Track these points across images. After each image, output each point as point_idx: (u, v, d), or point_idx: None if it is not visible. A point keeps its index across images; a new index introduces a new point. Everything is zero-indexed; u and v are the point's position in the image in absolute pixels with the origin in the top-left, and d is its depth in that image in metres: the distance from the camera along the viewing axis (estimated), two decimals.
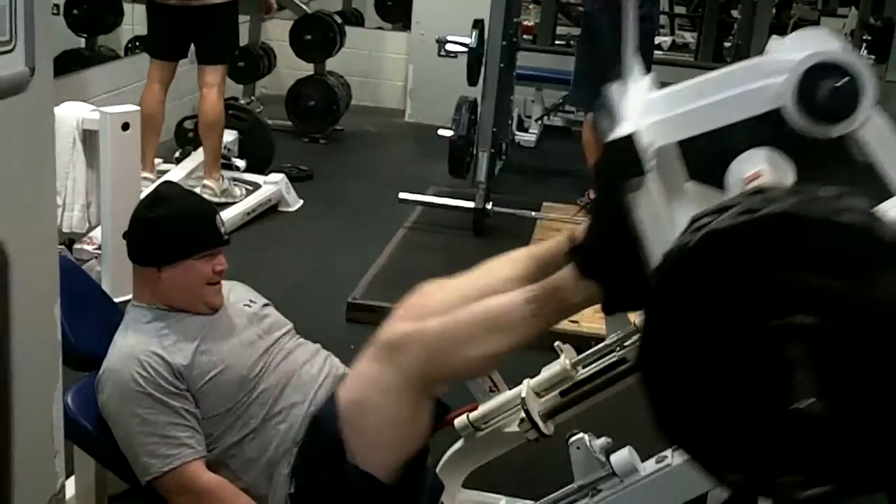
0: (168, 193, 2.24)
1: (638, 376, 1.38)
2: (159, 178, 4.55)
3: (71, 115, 3.34)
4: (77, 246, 3.68)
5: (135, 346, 2.05)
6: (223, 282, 2.19)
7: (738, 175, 1.72)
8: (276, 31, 6.53)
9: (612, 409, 2.12)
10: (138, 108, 3.31)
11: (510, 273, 2.03)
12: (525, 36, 6.60)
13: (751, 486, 1.39)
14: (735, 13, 7.69)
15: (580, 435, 2.03)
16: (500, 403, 2.24)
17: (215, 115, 4.66)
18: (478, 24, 5.03)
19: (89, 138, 3.33)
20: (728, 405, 1.33)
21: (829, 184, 1.52)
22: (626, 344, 2.04)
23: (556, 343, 2.14)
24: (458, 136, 4.94)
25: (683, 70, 6.23)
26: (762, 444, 1.33)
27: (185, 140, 5.13)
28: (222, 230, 2.17)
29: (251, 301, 2.24)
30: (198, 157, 4.85)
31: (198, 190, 4.31)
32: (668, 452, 1.97)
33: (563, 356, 2.10)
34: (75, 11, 5.84)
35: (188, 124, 5.13)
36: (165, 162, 4.95)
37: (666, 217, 1.56)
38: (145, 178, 3.80)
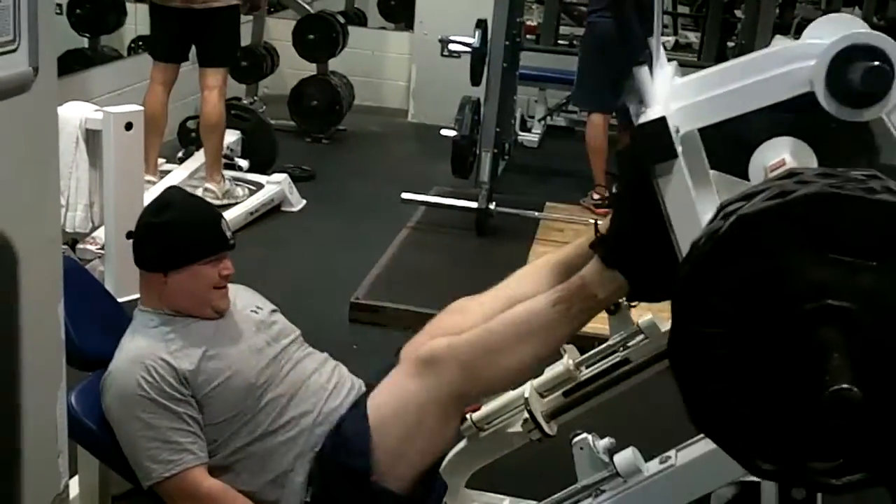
0: (174, 199, 2.24)
1: (668, 365, 1.36)
2: (162, 178, 4.56)
3: (74, 114, 3.34)
4: (80, 246, 3.68)
5: (141, 350, 2.05)
6: (229, 286, 2.19)
7: (761, 164, 1.70)
8: (279, 31, 6.53)
9: (616, 410, 2.12)
10: (141, 107, 3.32)
11: (539, 279, 2.04)
12: (528, 36, 6.59)
13: (784, 474, 1.37)
14: (738, 13, 7.68)
15: (583, 435, 2.02)
16: (503, 404, 2.24)
17: (216, 118, 4.66)
18: (481, 23, 5.03)
19: (92, 138, 3.33)
20: (761, 391, 1.31)
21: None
22: (629, 344, 2.04)
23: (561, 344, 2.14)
24: (461, 136, 4.94)
25: (687, 70, 6.24)
26: (796, 430, 1.31)
27: (188, 140, 5.13)
28: (228, 235, 2.17)
29: (258, 307, 2.24)
30: (200, 157, 4.85)
31: (199, 192, 4.31)
32: (671, 453, 1.97)
33: (566, 356, 2.09)
34: (78, 11, 5.85)
35: (191, 124, 5.13)
36: (168, 162, 4.95)
37: (693, 203, 1.54)
38: (148, 180, 3.80)
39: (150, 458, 1.98)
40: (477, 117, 5.03)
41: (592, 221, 1.96)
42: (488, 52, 4.89)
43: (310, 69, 6.27)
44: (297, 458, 2.05)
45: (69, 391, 1.78)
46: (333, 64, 6.28)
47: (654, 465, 1.99)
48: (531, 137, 6.40)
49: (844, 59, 1.47)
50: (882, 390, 1.27)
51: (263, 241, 4.51)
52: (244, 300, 2.23)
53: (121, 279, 2.92)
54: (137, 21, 5.98)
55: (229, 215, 4.31)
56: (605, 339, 2.09)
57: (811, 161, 1.66)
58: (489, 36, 4.90)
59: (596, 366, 2.08)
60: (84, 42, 5.93)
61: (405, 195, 4.85)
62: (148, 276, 2.15)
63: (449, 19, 5.98)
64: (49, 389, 1.53)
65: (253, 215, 4.73)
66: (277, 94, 6.51)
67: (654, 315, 1.99)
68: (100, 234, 3.52)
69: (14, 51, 1.32)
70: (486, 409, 2.24)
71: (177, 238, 2.12)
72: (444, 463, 2.31)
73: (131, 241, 2.19)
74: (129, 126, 3.15)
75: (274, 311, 2.27)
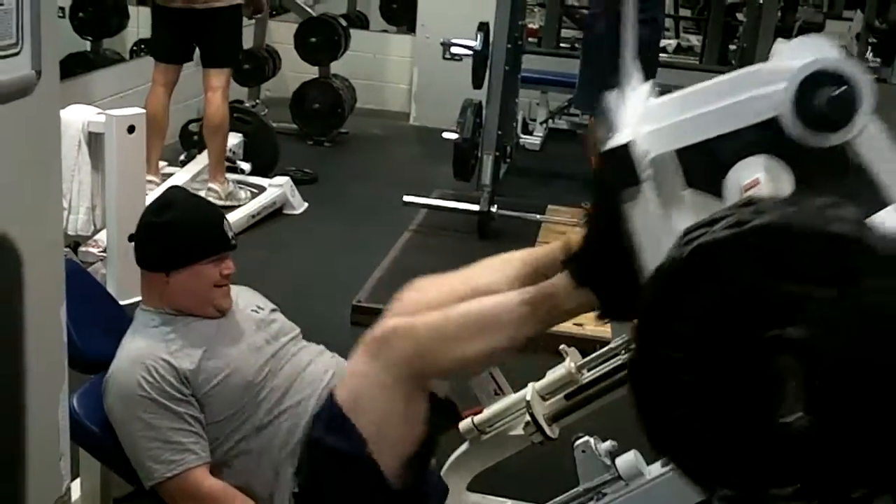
0: (175, 198, 2.24)
1: (628, 389, 1.38)
2: (164, 181, 4.56)
3: (76, 117, 3.34)
4: (82, 248, 3.69)
5: (142, 350, 2.05)
6: (231, 286, 2.19)
7: (735, 183, 1.72)
8: (281, 34, 6.54)
9: (618, 413, 2.11)
10: (143, 111, 3.32)
11: (505, 274, 2.03)
12: (530, 39, 6.60)
13: (742, 500, 1.39)
14: (740, 16, 7.69)
15: (585, 438, 2.03)
16: (504, 406, 2.24)
17: (219, 119, 4.67)
18: (482, 27, 5.03)
19: (94, 141, 3.33)
20: (718, 418, 1.33)
21: (827, 191, 1.53)
22: (630, 347, 2.04)
23: (561, 346, 2.14)
24: (462, 139, 4.94)
25: (688, 73, 6.24)
26: (752, 457, 1.32)
27: (191, 143, 5.13)
28: (230, 235, 2.17)
29: (259, 307, 2.24)
30: (203, 159, 4.86)
31: (202, 194, 4.31)
32: None
33: (567, 359, 2.09)
34: (81, 15, 5.85)
35: (193, 127, 5.14)
36: (170, 165, 4.96)
37: (661, 227, 1.56)
38: (150, 182, 3.80)
39: (151, 458, 1.98)
40: (479, 120, 5.03)
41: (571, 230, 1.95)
42: (490, 55, 4.90)
43: (312, 72, 6.28)
44: (291, 450, 2.04)
45: (71, 394, 1.79)
46: (335, 67, 6.29)
47: (656, 469, 1.99)
48: (533, 140, 6.40)
49: (811, 85, 1.48)
50: (833, 420, 1.29)
51: (265, 243, 4.51)
52: (246, 300, 2.24)
53: (123, 282, 2.92)
54: (140, 24, 5.99)
55: (231, 218, 4.30)
56: (607, 342, 2.09)
57: (787, 180, 1.68)
58: (491, 39, 4.90)
59: (598, 369, 2.08)
60: (86, 45, 5.93)
61: (407, 198, 4.85)
62: (149, 275, 2.15)
63: (451, 22, 5.98)
64: (51, 392, 1.53)
65: (255, 218, 4.73)
66: (279, 97, 6.52)
67: None
68: (102, 236, 3.53)
69: (17, 54, 1.33)
70: (487, 411, 2.24)
71: (179, 238, 2.12)
72: (446, 466, 2.31)
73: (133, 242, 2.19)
74: (131, 129, 3.16)
75: (274, 310, 2.27)
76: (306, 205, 5.07)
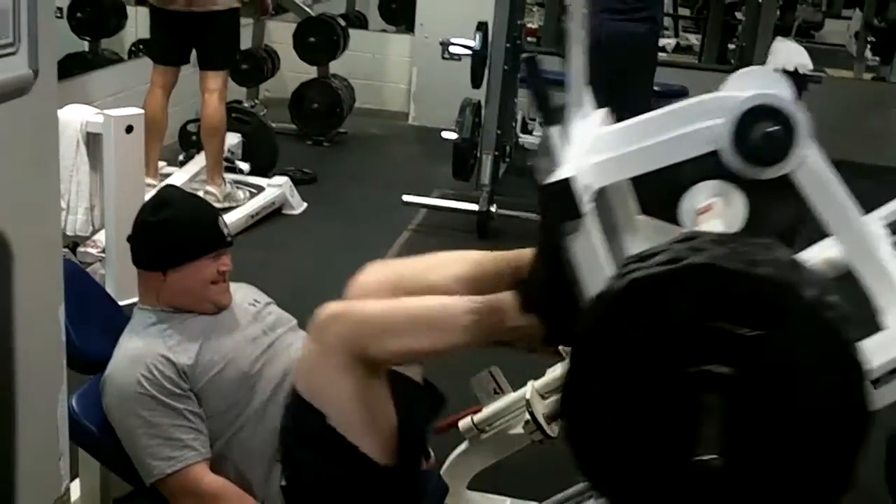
0: (170, 197, 2.24)
1: (560, 420, 1.41)
2: (163, 181, 4.55)
3: (75, 118, 3.34)
4: (81, 249, 3.69)
5: (140, 348, 2.05)
6: (230, 283, 2.19)
7: (690, 208, 1.75)
8: (280, 34, 6.53)
9: None
10: (142, 111, 3.32)
11: (458, 272, 2.04)
12: (529, 38, 6.60)
13: None
14: (739, 15, 7.69)
15: None
16: (504, 405, 2.24)
17: (217, 121, 4.67)
18: (481, 26, 5.03)
19: (93, 141, 3.33)
20: (641, 451, 1.36)
21: (779, 213, 1.57)
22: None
23: (561, 346, 2.13)
24: (461, 138, 4.94)
25: (688, 72, 6.24)
26: (668, 493, 1.36)
27: (189, 143, 5.13)
28: (225, 232, 2.17)
29: (255, 301, 2.25)
30: (201, 160, 4.85)
31: (200, 195, 4.31)
32: None
33: (567, 358, 2.09)
34: (79, 15, 5.85)
35: (192, 127, 5.13)
36: (169, 165, 4.96)
37: (604, 258, 1.58)
38: (149, 184, 3.80)
39: (151, 455, 1.98)
40: (478, 120, 5.03)
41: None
42: (489, 55, 4.90)
43: (310, 72, 6.28)
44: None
45: (70, 394, 1.78)
46: (334, 67, 6.29)
47: None
48: (532, 140, 6.40)
49: (749, 120, 1.51)
50: (749, 462, 1.32)
51: (264, 243, 4.51)
52: (243, 294, 2.24)
53: (121, 282, 2.92)
54: (138, 24, 5.98)
55: (230, 218, 4.31)
56: None
57: (740, 204, 1.71)
58: (490, 38, 4.90)
59: None
60: (84, 45, 5.93)
61: (406, 198, 4.85)
62: (146, 274, 2.15)
63: (450, 22, 5.98)
64: (50, 392, 1.53)
65: (254, 218, 4.73)
66: (278, 97, 6.51)
67: None
68: (100, 237, 3.53)
69: (14, 54, 1.32)
70: (487, 410, 2.24)
71: (174, 237, 2.12)
72: (446, 464, 2.31)
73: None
74: (129, 129, 3.15)
75: (269, 303, 2.27)
76: (305, 205, 5.07)
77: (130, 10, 6.06)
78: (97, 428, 2.05)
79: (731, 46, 7.65)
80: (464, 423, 2.28)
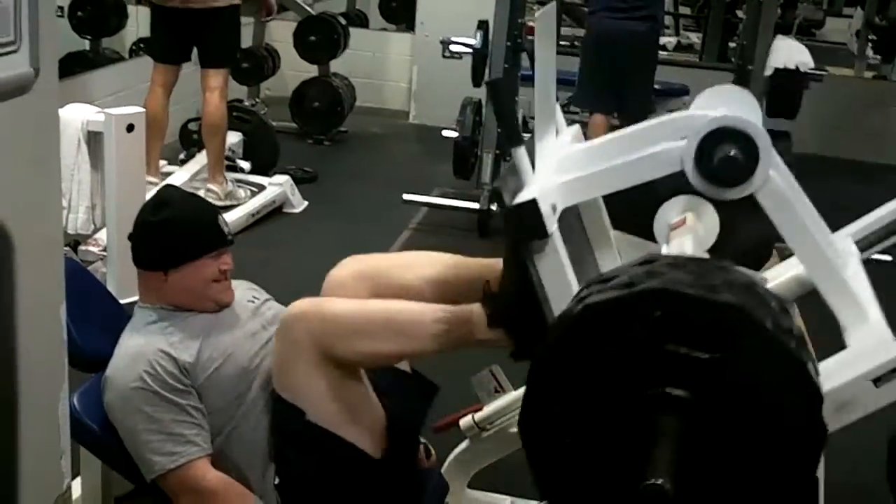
0: (170, 197, 2.24)
1: (519, 438, 1.42)
2: (164, 180, 4.56)
3: (76, 116, 3.35)
4: (82, 247, 3.69)
5: (141, 345, 2.05)
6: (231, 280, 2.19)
7: (663, 223, 1.76)
8: (281, 33, 6.54)
9: None
10: (143, 109, 3.32)
11: (432, 275, 2.05)
12: (529, 37, 6.59)
13: None
14: (740, 13, 7.68)
15: None
16: (505, 404, 2.24)
17: (218, 119, 4.67)
18: (482, 25, 5.03)
19: (94, 140, 3.33)
20: (603, 473, 1.37)
21: (751, 227, 1.59)
22: None
23: None
24: (462, 137, 4.94)
25: (689, 70, 6.24)
26: None
27: (190, 142, 5.13)
28: (226, 230, 2.18)
29: (255, 297, 2.25)
30: (202, 158, 4.85)
31: (201, 194, 4.31)
32: None
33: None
34: (80, 13, 5.85)
35: (193, 126, 5.14)
36: (170, 164, 4.96)
37: (569, 278, 1.59)
38: (150, 182, 3.80)
39: (153, 450, 1.98)
40: (478, 118, 5.03)
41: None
42: (489, 53, 4.90)
43: (311, 71, 6.28)
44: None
45: (71, 392, 1.79)
46: (335, 65, 6.29)
47: None
48: None
49: (712, 142, 1.53)
50: (706, 479, 1.33)
51: (265, 242, 4.51)
52: (242, 291, 2.24)
53: (123, 280, 2.92)
54: (139, 23, 5.99)
55: (231, 216, 4.32)
56: None
57: (712, 218, 1.73)
58: (490, 37, 4.91)
59: None
60: (85, 44, 5.93)
61: (407, 196, 4.85)
62: (147, 274, 2.15)
63: (450, 20, 5.98)
64: (51, 390, 1.53)
65: (254, 217, 4.73)
66: (279, 95, 6.52)
67: None
68: (102, 235, 3.53)
69: (15, 52, 1.32)
70: (488, 409, 2.25)
71: (175, 236, 2.12)
72: (447, 463, 2.32)
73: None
74: (130, 128, 3.16)
75: (269, 299, 2.28)
76: (306, 203, 5.07)
77: (131, 8, 6.06)
78: (99, 426, 2.05)
79: (732, 45, 7.65)
80: (464, 421, 2.28)
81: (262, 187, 4.95)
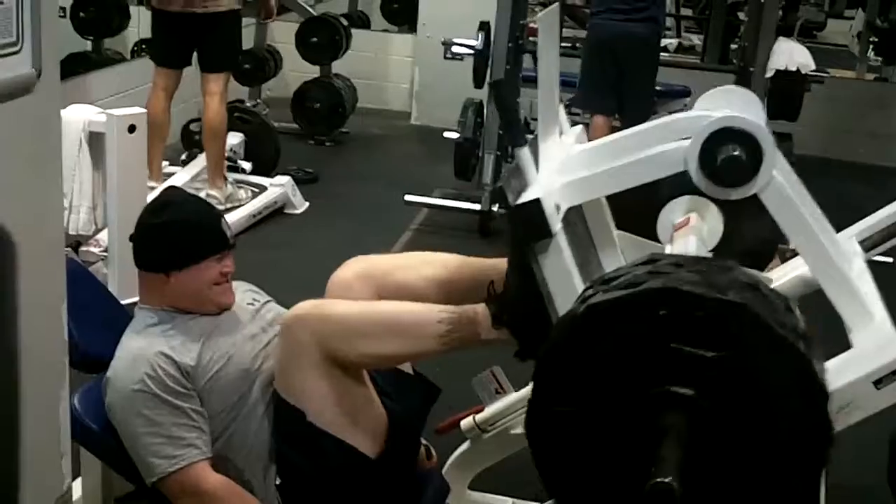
0: (173, 199, 2.24)
1: (520, 439, 1.42)
2: (165, 181, 4.56)
3: (77, 117, 3.34)
4: (83, 248, 3.69)
5: (143, 347, 2.05)
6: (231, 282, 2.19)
7: (667, 223, 1.76)
8: (282, 34, 6.53)
9: None
10: (144, 110, 3.32)
11: (432, 275, 2.06)
12: (531, 38, 6.59)
13: None
14: (742, 15, 7.68)
15: None
16: (506, 405, 2.24)
17: (217, 124, 4.66)
18: (484, 26, 5.03)
19: (95, 141, 3.33)
20: (607, 472, 1.38)
21: (754, 227, 1.58)
22: None
23: None
24: (463, 138, 4.94)
25: (690, 72, 6.24)
26: None
27: (192, 143, 5.13)
28: (228, 234, 2.17)
29: (255, 299, 2.25)
30: (203, 160, 4.85)
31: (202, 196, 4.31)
32: None
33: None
34: (82, 14, 5.85)
35: (194, 127, 5.14)
36: (172, 164, 4.96)
37: (574, 277, 1.59)
38: (151, 186, 3.80)
39: (152, 453, 1.98)
40: (480, 119, 5.03)
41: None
42: (491, 55, 4.89)
43: (313, 72, 6.28)
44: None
45: (72, 393, 1.79)
46: (336, 66, 6.29)
47: None
48: None
49: (715, 142, 1.53)
50: (714, 477, 1.33)
51: (266, 243, 4.51)
52: (242, 293, 2.24)
53: (124, 281, 2.92)
54: (141, 24, 5.99)
55: (232, 217, 4.31)
56: None
57: (716, 217, 1.73)
58: (492, 38, 4.90)
59: None
60: (87, 45, 5.93)
61: (408, 197, 4.85)
62: (148, 276, 2.15)
63: (452, 21, 5.97)
64: (52, 391, 1.53)
65: (256, 217, 4.73)
66: (280, 96, 6.51)
67: None
68: (103, 236, 3.53)
69: (17, 52, 1.33)
70: (489, 410, 2.25)
71: (177, 239, 2.12)
72: (448, 464, 2.31)
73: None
74: (132, 128, 3.15)
75: (268, 301, 2.28)
76: (307, 204, 5.07)
77: (133, 9, 6.06)
78: (99, 427, 2.05)
79: (734, 46, 7.64)
80: (466, 422, 2.28)
81: (263, 188, 4.95)
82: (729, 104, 1.65)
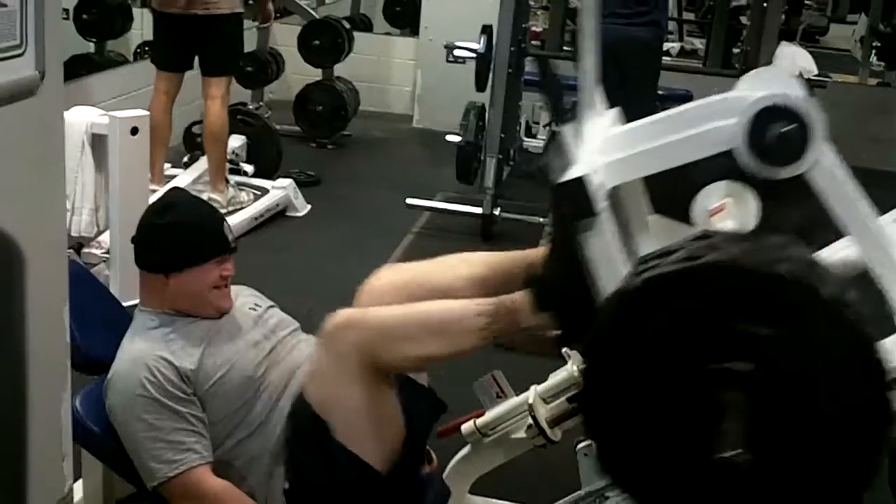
0: (176, 200, 2.24)
1: (581, 416, 1.41)
2: (167, 183, 4.55)
3: (80, 119, 3.35)
4: (85, 250, 3.69)
5: (143, 351, 2.05)
6: (231, 286, 2.19)
7: (702, 208, 1.74)
8: (285, 37, 6.54)
9: None
10: (147, 112, 3.33)
11: (467, 273, 2.05)
12: (533, 42, 6.60)
13: None
14: (744, 19, 7.67)
15: (588, 441, 2.02)
16: (507, 409, 2.24)
17: (218, 128, 4.65)
18: (486, 29, 5.03)
19: (98, 142, 3.34)
20: (666, 447, 1.36)
21: (791, 215, 1.56)
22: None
23: (564, 349, 2.13)
24: (465, 141, 4.94)
25: (692, 76, 6.23)
26: (691, 489, 1.35)
27: (194, 145, 5.13)
28: (230, 237, 2.18)
29: (257, 305, 2.25)
30: (206, 162, 4.85)
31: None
32: None
33: (570, 362, 2.09)
34: (85, 16, 5.85)
35: (196, 129, 5.14)
36: (174, 167, 4.96)
37: (618, 256, 1.57)
38: (153, 190, 3.80)
39: (153, 458, 1.98)
40: (482, 123, 5.03)
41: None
42: (493, 58, 4.89)
43: (315, 75, 6.28)
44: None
45: (74, 395, 1.79)
46: (339, 69, 6.29)
47: None
48: (536, 143, 6.40)
49: (764, 119, 1.50)
50: (774, 457, 1.31)
51: (268, 246, 4.51)
52: (244, 298, 2.24)
53: (126, 283, 2.92)
54: (144, 26, 5.99)
55: (234, 220, 4.31)
56: None
57: (752, 204, 1.71)
58: (494, 42, 4.90)
59: None
60: (90, 47, 5.94)
61: (410, 201, 4.85)
62: (149, 276, 2.15)
63: (454, 25, 5.98)
64: (54, 393, 1.53)
65: (258, 220, 4.73)
66: (283, 99, 6.52)
67: None
68: (105, 238, 3.53)
69: (21, 55, 1.33)
70: (489, 414, 2.24)
71: (179, 240, 2.12)
72: (448, 469, 2.31)
73: None
74: (134, 130, 3.16)
75: (271, 306, 2.28)
76: (309, 207, 5.07)
77: (136, 11, 6.07)
78: (101, 429, 2.05)
79: (736, 51, 7.63)
80: (466, 427, 2.28)
81: (265, 191, 4.95)
82: (769, 86, 1.61)
